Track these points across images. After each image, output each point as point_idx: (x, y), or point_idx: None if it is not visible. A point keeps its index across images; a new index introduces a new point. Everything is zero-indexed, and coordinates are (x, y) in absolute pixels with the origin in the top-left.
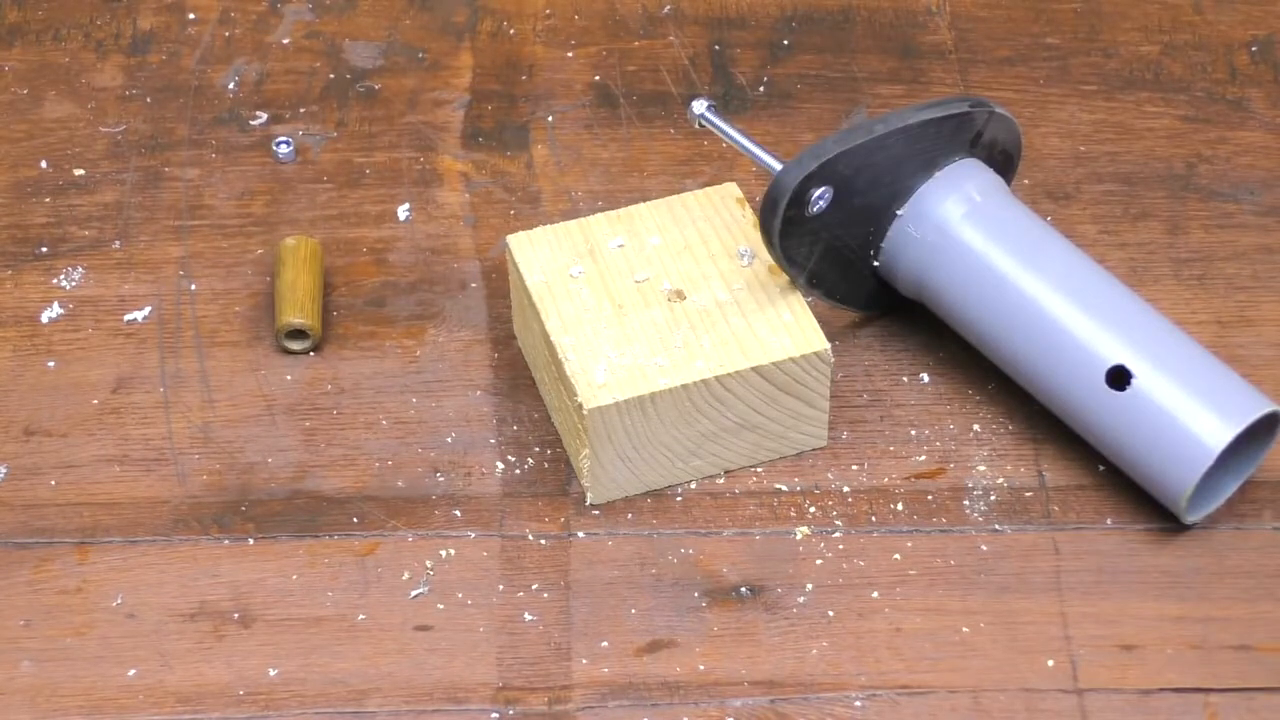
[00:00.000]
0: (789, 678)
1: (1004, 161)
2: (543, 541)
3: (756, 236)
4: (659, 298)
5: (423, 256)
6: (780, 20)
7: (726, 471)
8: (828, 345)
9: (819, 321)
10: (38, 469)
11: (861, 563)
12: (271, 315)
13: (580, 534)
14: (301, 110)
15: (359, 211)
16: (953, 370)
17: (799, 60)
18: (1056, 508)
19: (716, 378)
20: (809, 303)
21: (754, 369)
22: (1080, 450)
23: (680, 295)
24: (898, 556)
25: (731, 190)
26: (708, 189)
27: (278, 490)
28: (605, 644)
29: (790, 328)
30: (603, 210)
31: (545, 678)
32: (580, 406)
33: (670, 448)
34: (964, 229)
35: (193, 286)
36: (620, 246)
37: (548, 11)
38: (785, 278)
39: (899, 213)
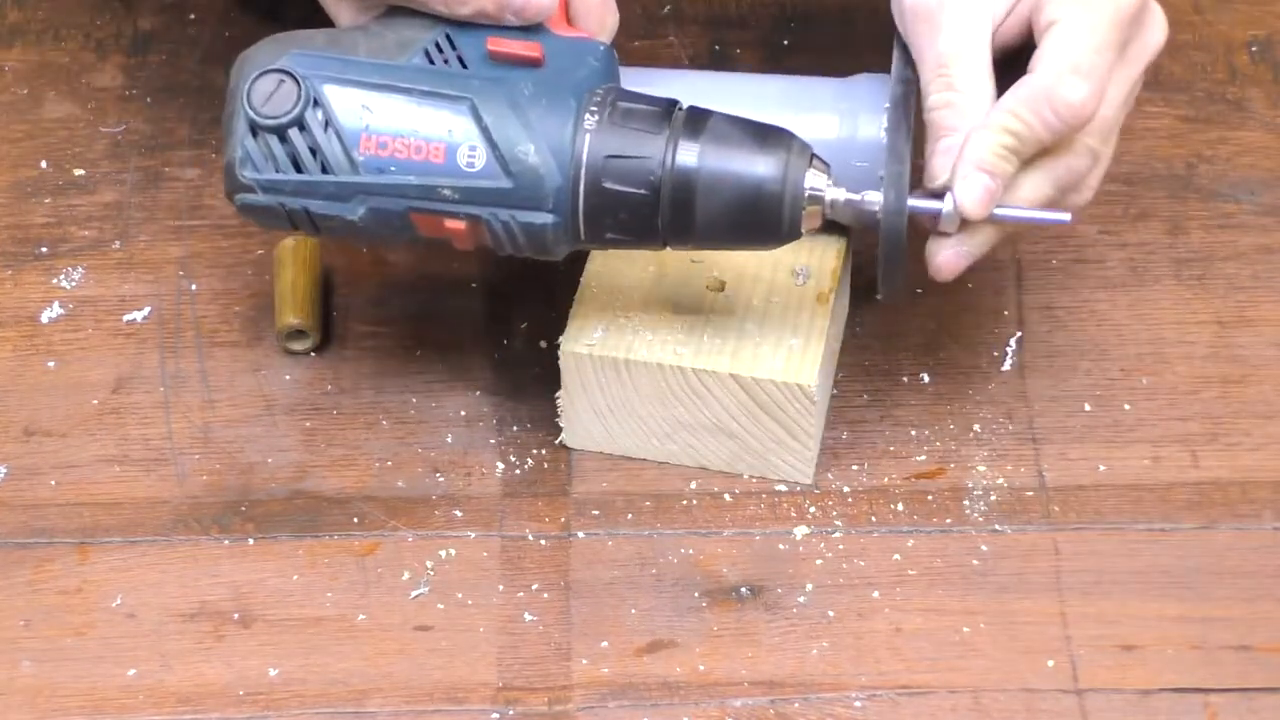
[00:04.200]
0: (789, 678)
1: None
2: (543, 541)
3: (834, 261)
4: (701, 282)
5: (423, 256)
6: (780, 20)
7: (706, 469)
8: (815, 383)
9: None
10: (38, 469)
11: (861, 563)
12: (271, 315)
13: (580, 534)
14: None
15: None
16: (953, 370)
17: (799, 60)
18: (1056, 508)
19: (693, 369)
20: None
21: (731, 375)
22: (1080, 450)
23: (721, 286)
24: (898, 556)
25: None
26: None
27: (278, 490)
28: (605, 644)
29: (790, 353)
30: None
31: (545, 678)
32: (560, 344)
33: (645, 421)
34: None
35: (193, 286)
36: None
37: None
38: (827, 309)
39: None
